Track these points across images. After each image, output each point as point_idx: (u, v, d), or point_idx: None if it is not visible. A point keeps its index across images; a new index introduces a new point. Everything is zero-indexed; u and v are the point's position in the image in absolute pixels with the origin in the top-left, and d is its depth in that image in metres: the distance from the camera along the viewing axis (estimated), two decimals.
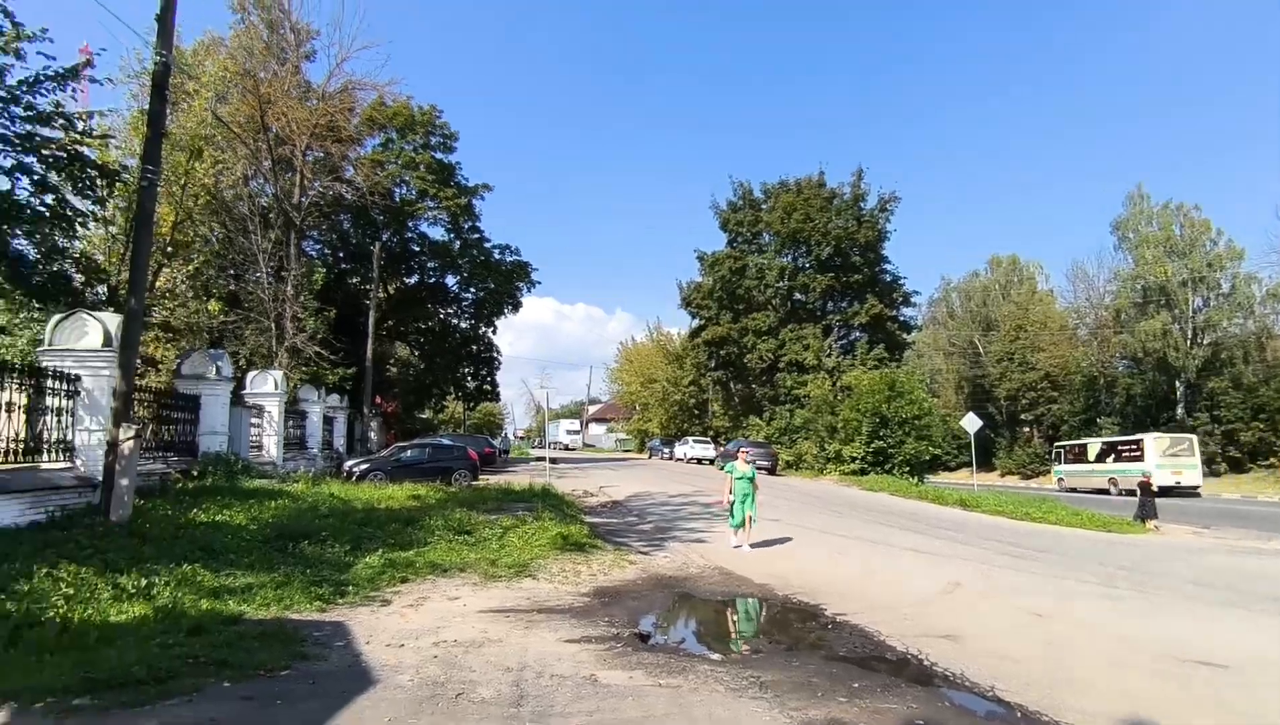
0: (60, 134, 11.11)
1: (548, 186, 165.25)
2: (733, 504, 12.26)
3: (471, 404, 56.28)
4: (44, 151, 11.01)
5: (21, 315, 16.49)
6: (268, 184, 26.63)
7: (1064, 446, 38.22)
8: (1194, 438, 31.89)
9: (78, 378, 10.60)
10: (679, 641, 7.10)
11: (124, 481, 9.58)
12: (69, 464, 10.41)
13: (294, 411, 22.57)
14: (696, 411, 56.57)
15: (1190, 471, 28.84)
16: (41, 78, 10.45)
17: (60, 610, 5.99)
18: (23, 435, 9.79)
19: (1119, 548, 13.99)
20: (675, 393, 56.92)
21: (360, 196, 30.19)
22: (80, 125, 11.38)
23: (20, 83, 10.34)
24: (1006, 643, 6.95)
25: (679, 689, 5.30)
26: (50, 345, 10.68)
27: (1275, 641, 7.37)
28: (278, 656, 5.53)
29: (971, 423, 26.42)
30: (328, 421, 26.17)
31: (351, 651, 5.92)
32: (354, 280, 35.43)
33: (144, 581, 7.05)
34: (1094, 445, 34.86)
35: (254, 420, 18.92)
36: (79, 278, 17.25)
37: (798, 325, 40.68)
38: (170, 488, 12.81)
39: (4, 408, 9.37)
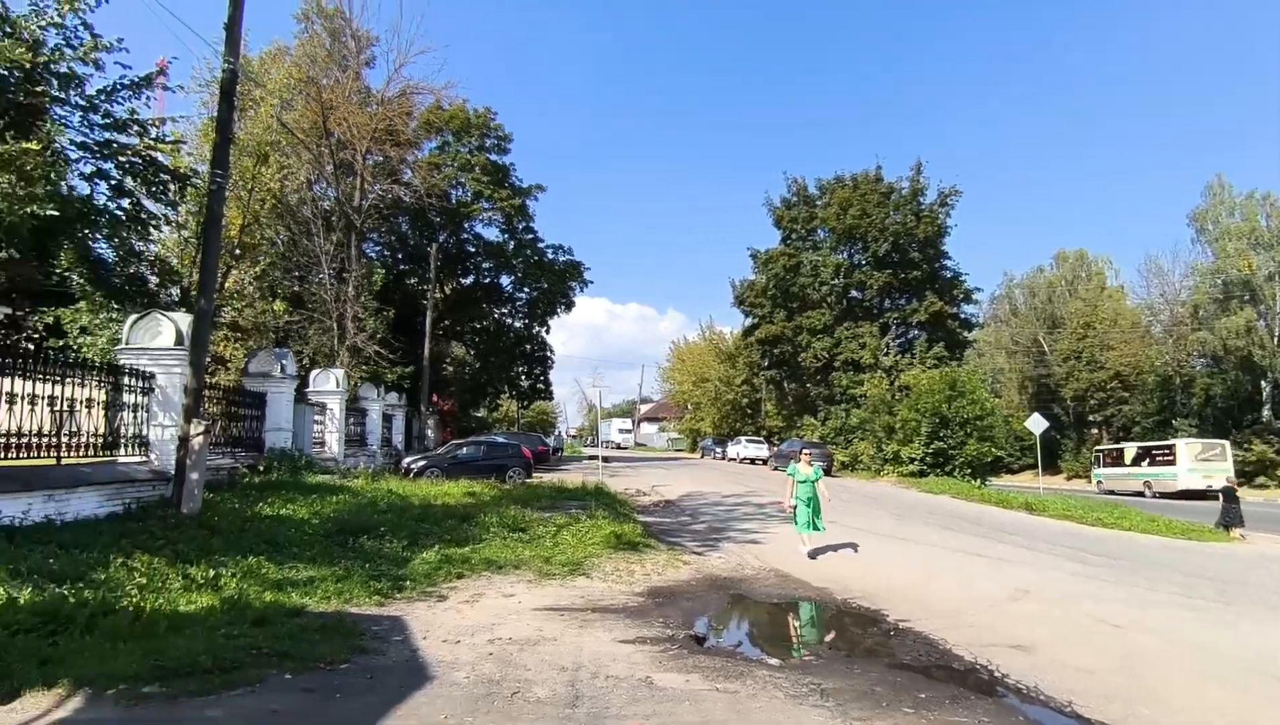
0: (135, 140, 11.50)
1: (600, 186, 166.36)
2: (795, 508, 11.48)
3: (525, 403, 56.98)
4: (120, 157, 11.43)
5: (101, 316, 17.27)
6: (330, 188, 27.35)
7: (1102, 450, 37.83)
8: (1226, 443, 30.61)
9: (152, 375, 11.06)
10: (735, 645, 6.97)
11: (194, 475, 9.93)
12: (144, 458, 10.87)
13: (354, 409, 23.21)
14: (749, 411, 55.87)
15: (1222, 477, 27.63)
16: (118, 86, 10.83)
17: (134, 599, 6.19)
18: (102, 430, 10.25)
19: (1199, 556, 13.20)
20: (728, 392, 56.31)
21: (418, 199, 30.77)
22: (154, 131, 11.73)
23: (99, 92, 10.75)
24: (1081, 654, 6.61)
25: (736, 694, 5.17)
26: (127, 344, 11.17)
27: None
28: (337, 649, 5.60)
29: (1037, 423, 25.55)
30: (386, 419, 26.83)
31: (409, 647, 5.97)
32: (412, 281, 36.17)
33: (212, 573, 7.26)
34: (1130, 449, 34.52)
35: (317, 417, 19.51)
36: (154, 279, 18.06)
37: (854, 323, 39.75)
38: (238, 482, 13.25)
39: (85, 404, 9.82)
